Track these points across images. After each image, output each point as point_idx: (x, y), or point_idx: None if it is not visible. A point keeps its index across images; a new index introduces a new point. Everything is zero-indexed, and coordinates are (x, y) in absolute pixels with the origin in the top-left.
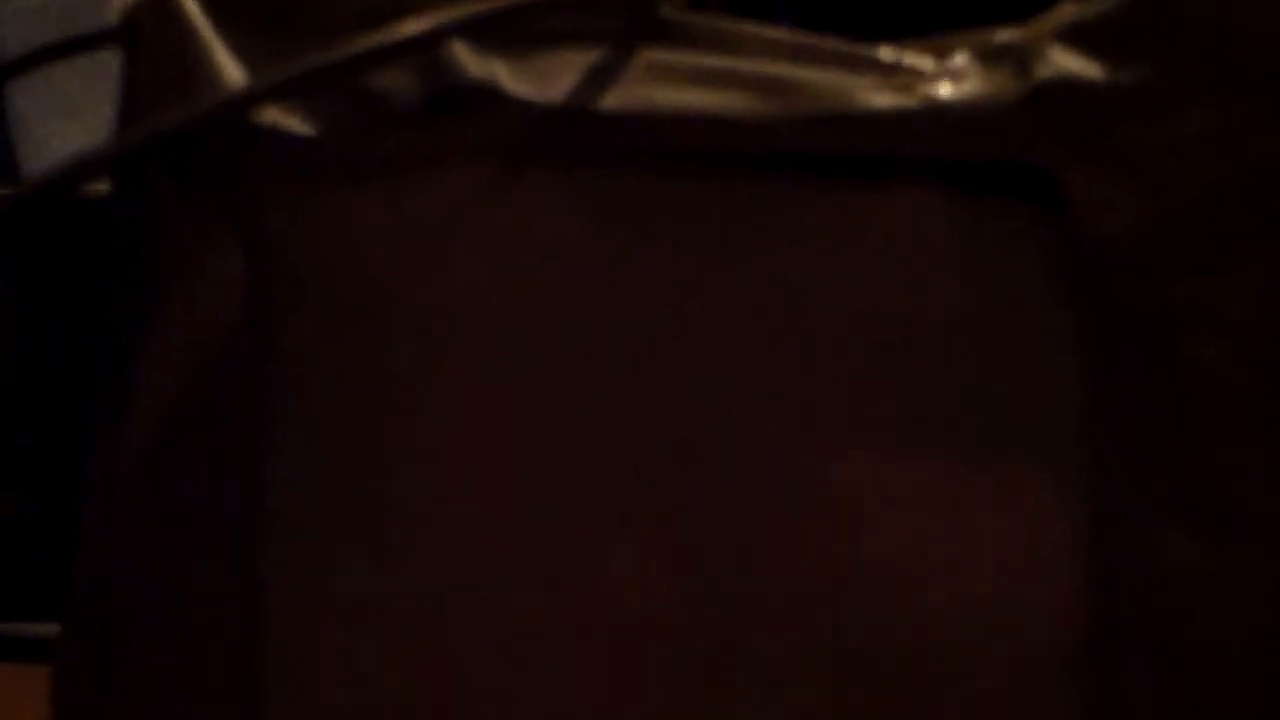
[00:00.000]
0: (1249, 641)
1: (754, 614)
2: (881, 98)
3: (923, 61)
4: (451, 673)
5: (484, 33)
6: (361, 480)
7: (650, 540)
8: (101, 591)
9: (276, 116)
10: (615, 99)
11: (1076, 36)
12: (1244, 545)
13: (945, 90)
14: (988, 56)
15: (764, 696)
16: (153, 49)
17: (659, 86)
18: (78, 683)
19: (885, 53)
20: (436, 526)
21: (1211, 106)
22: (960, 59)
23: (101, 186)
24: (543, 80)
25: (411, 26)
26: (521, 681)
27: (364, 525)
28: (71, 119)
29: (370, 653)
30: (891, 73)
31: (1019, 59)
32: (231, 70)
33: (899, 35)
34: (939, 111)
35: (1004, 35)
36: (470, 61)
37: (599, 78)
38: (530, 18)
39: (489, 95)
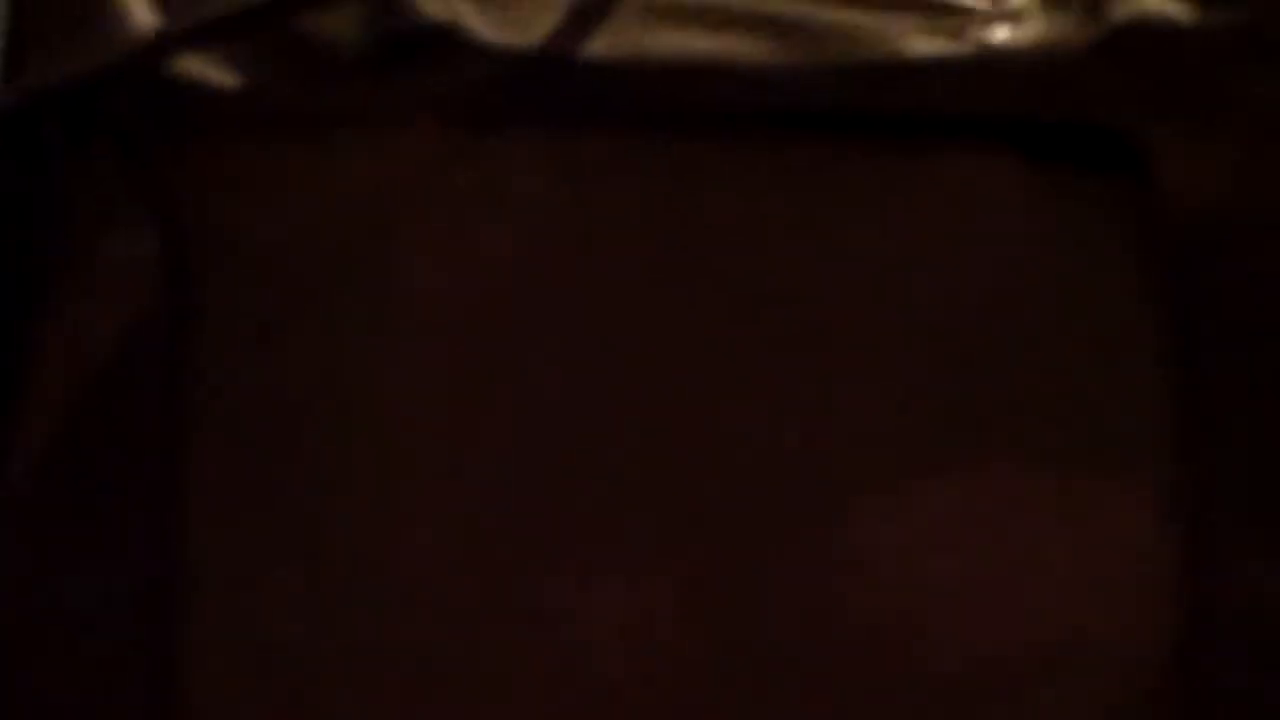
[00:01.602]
0: None
1: (772, 653)
2: (926, 43)
3: (975, 1)
4: (384, 682)
5: None
6: (296, 486)
7: (637, 555)
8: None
9: (195, 67)
10: (602, 44)
11: None
12: None
13: (1003, 35)
14: None
15: None
16: None
17: (655, 29)
18: None
19: None
20: (379, 526)
21: None
22: None
23: None
24: (515, 21)
25: None
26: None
27: (295, 530)
28: None
29: (298, 670)
30: (938, 13)
31: None
32: (140, 9)
33: None
34: (995, 61)
35: None
36: (429, 1)
37: (582, 19)
38: None
39: (450, 41)
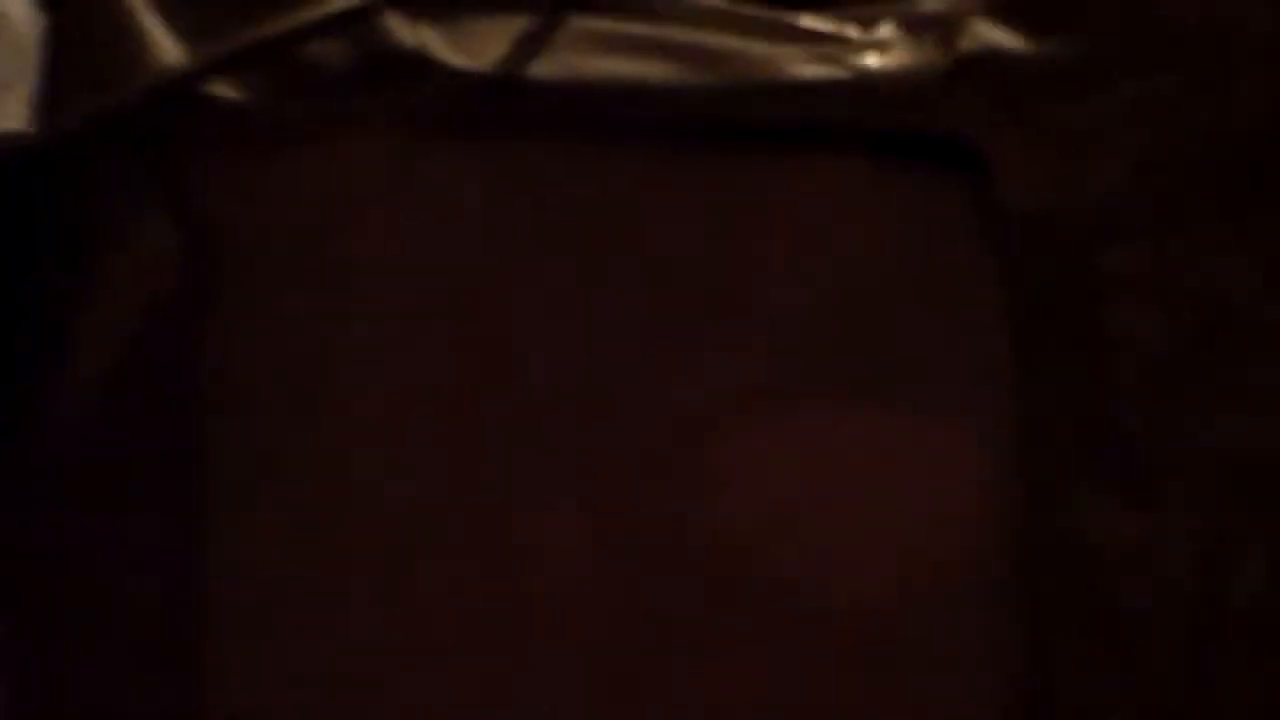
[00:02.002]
0: (1174, 601)
1: (678, 570)
2: (809, 68)
3: (849, 31)
4: (378, 638)
5: (422, 2)
6: (294, 443)
7: (570, 504)
8: (27, 570)
9: (208, 84)
10: (545, 67)
11: (1001, 9)
12: (1168, 508)
13: (871, 60)
14: (914, 27)
15: (692, 655)
16: (81, 14)
17: (588, 55)
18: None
19: (812, 22)
20: (359, 483)
21: (1140, 80)
22: (886, 29)
23: None
24: (473, 48)
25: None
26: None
27: (296, 485)
28: None
29: (304, 614)
30: (819, 42)
31: (944, 30)
32: (161, 38)
33: (824, 3)
34: (866, 82)
35: (930, 5)
36: (402, 30)
37: (530, 46)
38: None
39: (420, 63)
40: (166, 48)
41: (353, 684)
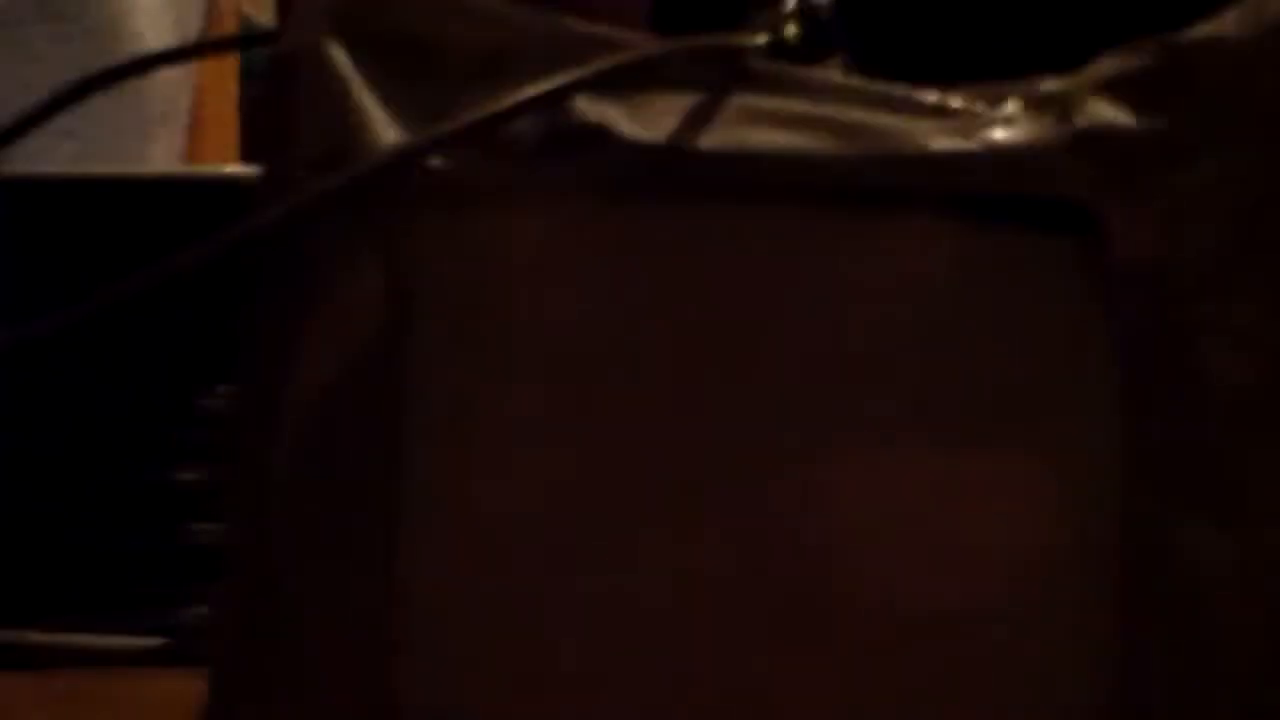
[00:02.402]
0: (1269, 621)
1: (770, 592)
2: (943, 140)
3: (978, 107)
4: (564, 649)
5: (604, 84)
6: (481, 477)
7: (713, 536)
8: (255, 582)
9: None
10: (712, 138)
11: (1111, 89)
12: (1261, 530)
13: (998, 134)
14: (1034, 104)
15: (794, 659)
16: (310, 95)
17: (749, 128)
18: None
19: (945, 99)
20: (538, 515)
21: (1224, 154)
22: (1011, 106)
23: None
24: (649, 122)
25: (547, 82)
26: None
27: (482, 514)
28: None
29: (493, 634)
30: (951, 117)
31: (1062, 107)
32: (377, 116)
33: (951, 80)
34: (993, 153)
35: (1049, 85)
36: (587, 107)
37: (698, 120)
38: (644, 70)
39: (601, 135)
40: (386, 128)
41: (529, 688)
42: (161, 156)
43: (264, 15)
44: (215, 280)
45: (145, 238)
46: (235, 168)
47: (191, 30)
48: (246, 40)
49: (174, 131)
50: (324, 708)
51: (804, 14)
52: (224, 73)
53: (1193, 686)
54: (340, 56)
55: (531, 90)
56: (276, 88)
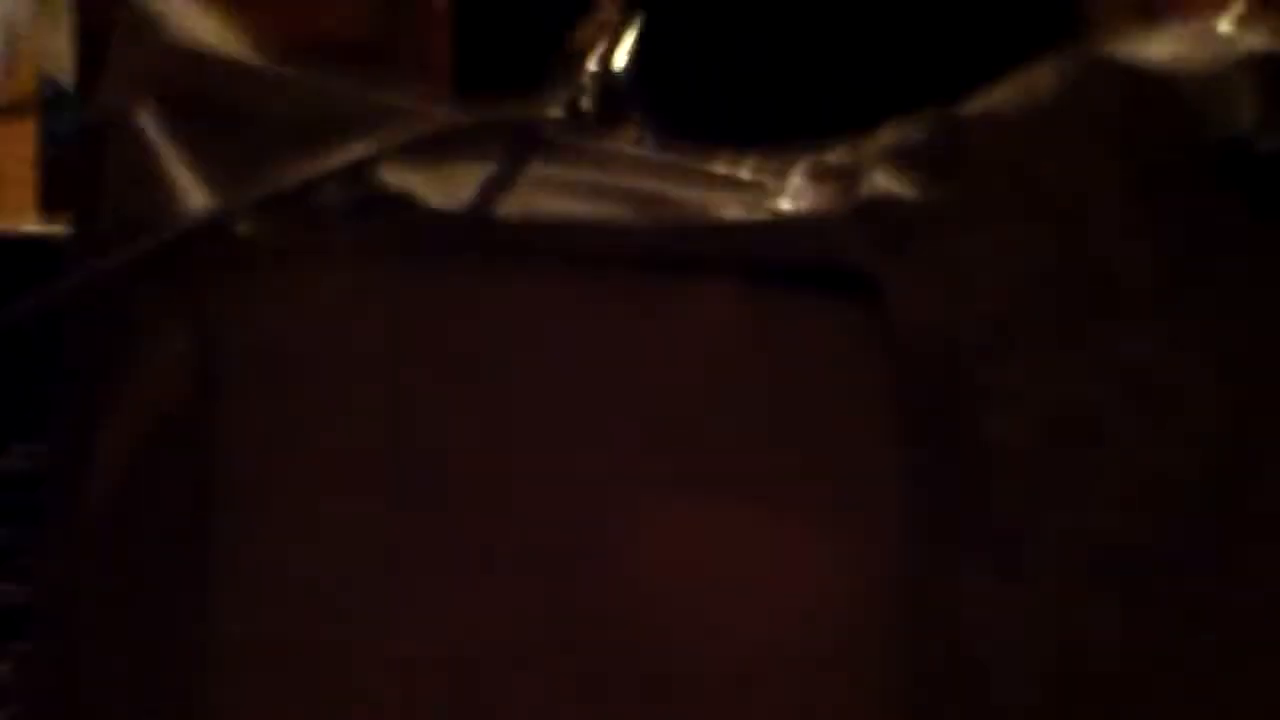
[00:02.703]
0: (1045, 659)
1: (583, 639)
2: (733, 210)
3: (765, 178)
4: (372, 710)
5: (407, 153)
6: (287, 538)
7: (510, 586)
8: (61, 643)
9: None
10: (509, 206)
11: (892, 160)
12: (1035, 579)
13: (785, 204)
14: (819, 175)
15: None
16: (119, 159)
17: (547, 197)
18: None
19: (734, 169)
20: (344, 576)
21: (999, 223)
22: (797, 177)
23: None
24: (450, 190)
25: (351, 152)
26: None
27: (289, 575)
28: None
29: (302, 694)
30: (741, 188)
31: (846, 178)
32: (185, 180)
33: (742, 145)
34: (781, 222)
35: (833, 157)
36: (389, 174)
37: (495, 188)
38: (446, 140)
39: (406, 202)
40: (193, 194)
41: None
42: None
43: (63, 72)
44: (7, 342)
45: None
46: (34, 226)
47: None
48: (49, 102)
49: None
50: None
51: (600, 85)
52: (23, 132)
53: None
54: (149, 121)
55: (338, 159)
56: (86, 151)
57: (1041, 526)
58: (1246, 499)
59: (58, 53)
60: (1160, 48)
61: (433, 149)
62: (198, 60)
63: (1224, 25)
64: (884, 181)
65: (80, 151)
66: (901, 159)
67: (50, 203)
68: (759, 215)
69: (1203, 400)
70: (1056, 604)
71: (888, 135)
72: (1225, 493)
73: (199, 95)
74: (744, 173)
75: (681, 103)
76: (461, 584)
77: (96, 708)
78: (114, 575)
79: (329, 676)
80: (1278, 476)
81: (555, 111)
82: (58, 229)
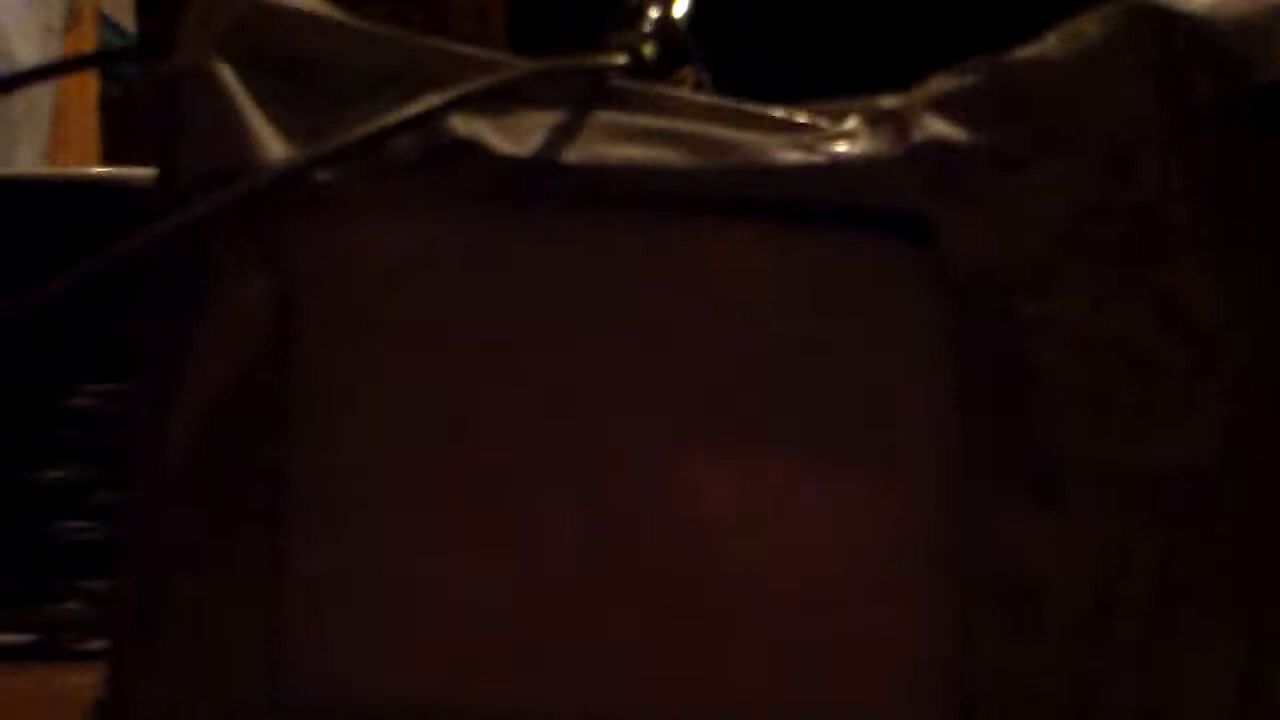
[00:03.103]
0: (1088, 589)
1: (642, 570)
2: (791, 154)
3: (821, 123)
4: (443, 629)
5: (476, 102)
6: (365, 462)
7: (572, 513)
8: (147, 575)
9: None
10: (575, 153)
11: (944, 105)
12: (1079, 514)
13: (840, 147)
14: (874, 120)
15: (663, 635)
16: (198, 112)
17: (610, 143)
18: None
19: (791, 115)
20: (414, 505)
21: (1051, 163)
22: (852, 121)
23: None
24: (517, 137)
25: (424, 102)
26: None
27: (362, 506)
28: None
29: (374, 616)
30: (797, 132)
31: (899, 123)
32: (264, 133)
33: (797, 97)
34: (837, 165)
35: (887, 102)
36: (458, 122)
37: (562, 135)
38: (513, 90)
39: (473, 149)
40: (272, 145)
41: (409, 665)
42: (26, 157)
43: (124, 16)
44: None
45: (12, 239)
46: (99, 169)
47: (56, 29)
48: (110, 55)
49: (37, 131)
50: (217, 691)
51: (661, 34)
52: (86, 79)
53: (1024, 656)
54: (227, 76)
55: (410, 109)
56: (167, 105)
57: (1084, 458)
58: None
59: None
60: None
61: (501, 98)
62: (273, 13)
63: None
64: (937, 125)
65: (156, 101)
66: (953, 104)
67: (112, 143)
68: (815, 158)
69: (1241, 335)
70: (1095, 532)
71: (940, 82)
72: (1261, 427)
73: (276, 50)
74: (800, 118)
75: (740, 54)
76: (527, 518)
77: (175, 644)
78: (193, 515)
79: (398, 600)
80: None
81: (620, 59)
82: (124, 172)
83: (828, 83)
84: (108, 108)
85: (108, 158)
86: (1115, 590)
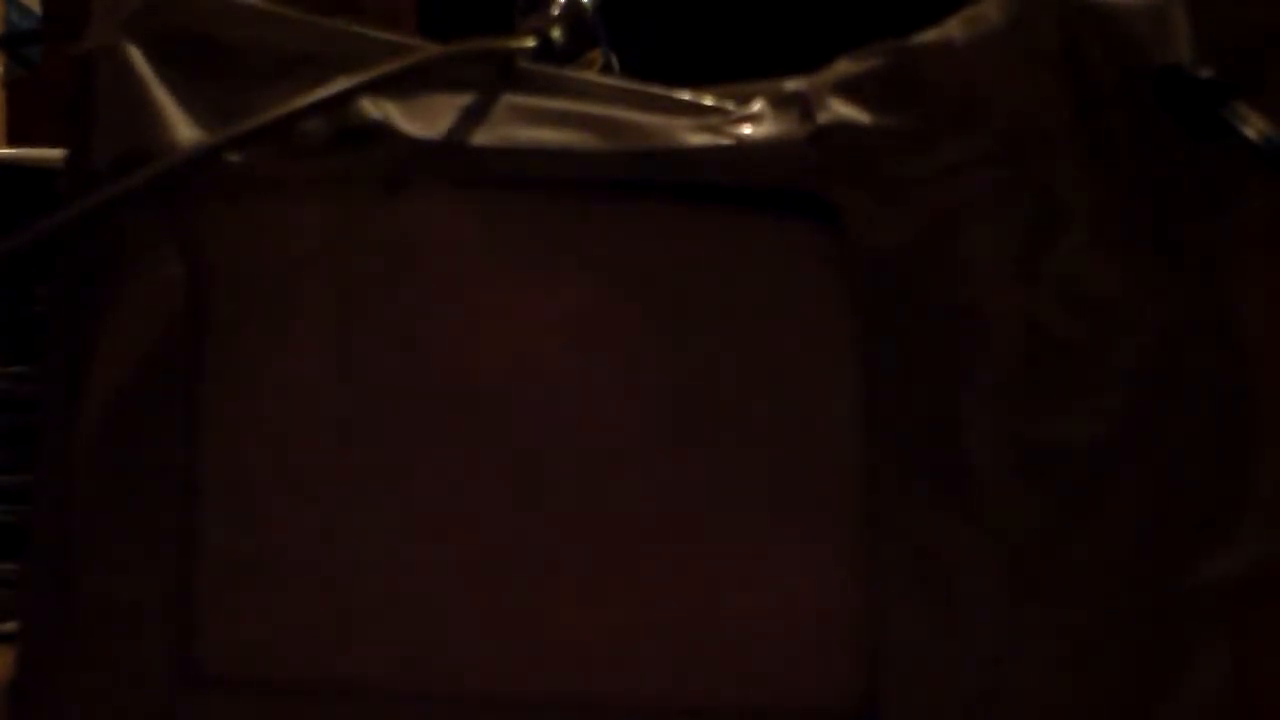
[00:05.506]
0: (999, 568)
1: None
2: (697, 136)
3: (728, 106)
4: (351, 601)
5: (386, 85)
6: (275, 443)
7: (481, 495)
8: (59, 560)
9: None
10: (483, 135)
11: (849, 88)
12: (985, 487)
13: (747, 130)
14: (779, 103)
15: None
16: (109, 94)
17: (518, 125)
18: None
19: (698, 97)
20: (323, 481)
21: (954, 145)
22: (758, 104)
23: None
24: (427, 120)
25: (334, 85)
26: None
27: (272, 483)
28: None
29: (284, 594)
30: (705, 115)
31: (804, 105)
32: (175, 115)
33: (704, 80)
34: (743, 148)
35: (792, 85)
36: (368, 105)
37: (471, 118)
38: (423, 72)
39: (383, 132)
40: (182, 127)
41: (312, 639)
42: None
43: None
44: None
45: None
46: (4, 150)
47: None
48: (16, 38)
49: None
50: (128, 668)
51: (569, 17)
52: None
53: (940, 660)
54: (137, 58)
55: (321, 92)
56: (76, 87)
57: (991, 436)
58: (1182, 406)
59: None
60: None
61: (411, 81)
62: None
63: None
64: (842, 108)
65: (64, 82)
66: (858, 87)
67: (17, 127)
68: (722, 140)
69: (1142, 312)
70: (994, 504)
71: (844, 65)
72: (1162, 401)
73: (185, 30)
74: (707, 101)
75: (647, 36)
76: (432, 504)
77: (91, 624)
78: (105, 498)
79: (307, 576)
80: (1211, 383)
81: (528, 42)
82: (30, 152)
83: (734, 65)
84: (13, 88)
85: (12, 139)
86: (1025, 568)
